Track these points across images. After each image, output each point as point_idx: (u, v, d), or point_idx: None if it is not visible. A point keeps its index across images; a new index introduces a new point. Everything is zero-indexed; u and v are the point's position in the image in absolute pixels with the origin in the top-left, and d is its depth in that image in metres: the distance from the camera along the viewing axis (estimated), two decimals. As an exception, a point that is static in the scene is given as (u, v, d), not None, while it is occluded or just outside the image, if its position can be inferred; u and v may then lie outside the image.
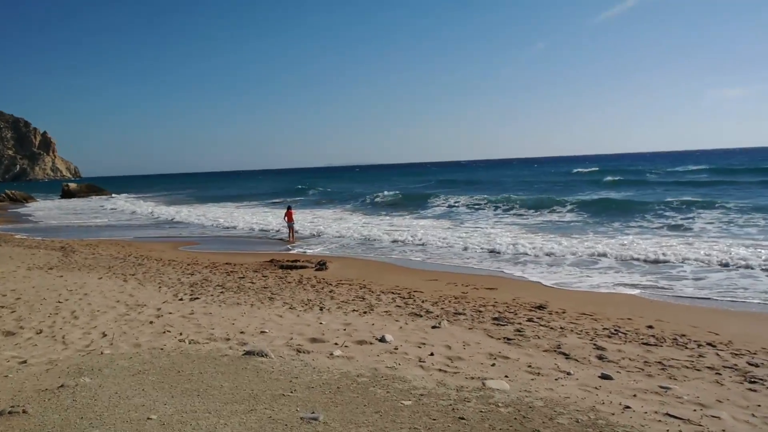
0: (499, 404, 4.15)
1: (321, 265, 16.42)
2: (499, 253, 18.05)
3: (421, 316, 9.93)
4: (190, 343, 7.94)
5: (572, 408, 4.12)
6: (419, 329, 8.87)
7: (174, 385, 4.87)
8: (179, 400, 4.49)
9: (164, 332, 8.63)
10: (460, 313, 10.21)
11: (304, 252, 20.44)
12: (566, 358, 7.37)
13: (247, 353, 5.93)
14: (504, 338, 8.35)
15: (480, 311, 10.50)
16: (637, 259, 15.67)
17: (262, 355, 5.80)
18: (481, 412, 4.07)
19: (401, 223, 28.44)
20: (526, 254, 17.48)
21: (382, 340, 8.07)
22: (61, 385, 4.97)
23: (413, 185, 65.24)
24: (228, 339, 8.20)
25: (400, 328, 9.00)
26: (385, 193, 46.39)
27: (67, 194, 75.74)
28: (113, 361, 5.93)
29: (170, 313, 10.12)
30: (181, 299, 11.37)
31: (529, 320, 9.76)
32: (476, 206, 35.04)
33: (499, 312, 10.46)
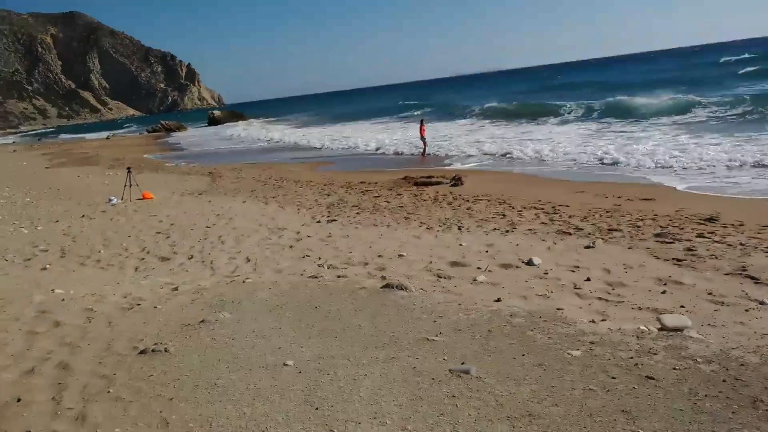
0: (698, 359, 3.30)
1: (456, 181, 15.71)
2: (653, 159, 16.13)
3: (571, 234, 8.98)
4: (329, 268, 7.74)
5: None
6: (570, 249, 7.98)
7: (311, 323, 4.56)
8: (316, 343, 4.15)
9: (304, 257, 8.53)
10: (614, 230, 9.11)
11: (443, 165, 19.80)
12: (755, 283, 6.16)
13: (386, 286, 5.49)
14: (673, 259, 7.23)
15: (638, 227, 9.30)
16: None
17: (402, 288, 5.33)
18: (675, 369, 3.25)
19: (535, 131, 26.66)
20: (685, 158, 15.46)
21: (530, 263, 7.32)
22: (203, 321, 4.88)
23: (536, 91, 60.43)
24: (366, 264, 7.90)
25: (548, 248, 8.16)
26: (491, 104, 43.21)
27: (213, 122, 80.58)
28: (253, 293, 5.81)
29: (309, 236, 10.06)
30: (318, 221, 11.31)
31: (700, 236, 8.44)
32: (618, 108, 31.65)
33: (661, 227, 9.19)
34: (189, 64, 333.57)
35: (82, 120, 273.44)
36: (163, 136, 66.46)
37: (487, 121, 36.66)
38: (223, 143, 45.05)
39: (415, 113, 49.40)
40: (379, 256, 8.31)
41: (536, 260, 7.35)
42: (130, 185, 16.43)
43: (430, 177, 16.72)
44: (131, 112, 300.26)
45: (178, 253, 9.46)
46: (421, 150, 23.23)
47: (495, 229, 9.75)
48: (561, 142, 21.36)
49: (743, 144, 16.38)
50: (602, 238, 8.50)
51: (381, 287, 5.56)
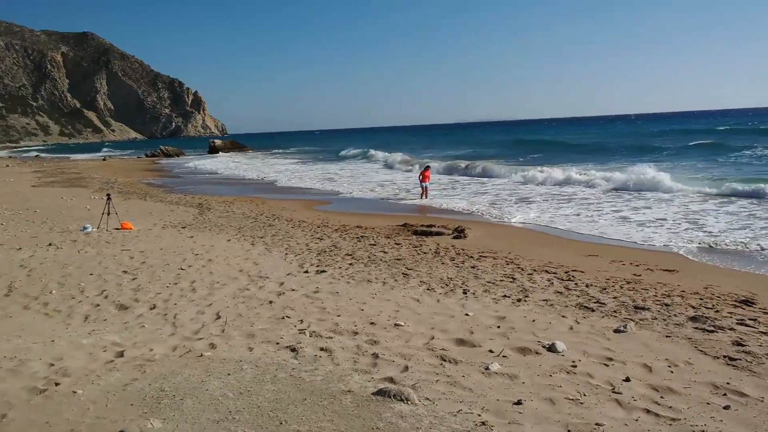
0: None
1: (459, 233, 14.58)
2: (667, 226, 15.01)
3: (593, 310, 7.77)
4: (311, 335, 6.49)
5: None
6: (597, 333, 6.75)
7: (271, 452, 3.30)
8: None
9: (283, 318, 7.27)
10: (642, 308, 7.90)
11: (442, 214, 18.67)
12: (838, 403, 4.94)
13: (381, 393, 4.20)
14: (724, 357, 6.00)
15: (667, 305, 8.12)
16: None
17: (402, 399, 4.02)
18: None
19: (529, 189, 25.59)
20: (708, 226, 14.37)
21: (552, 349, 6.08)
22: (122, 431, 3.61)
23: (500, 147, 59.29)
24: (356, 333, 6.65)
25: (571, 328, 6.93)
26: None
27: (213, 150, 79.87)
28: (206, 380, 4.53)
29: (293, 289, 8.81)
30: (306, 272, 10.07)
31: (741, 323, 7.25)
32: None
33: (693, 307, 8.01)
34: (196, 91, 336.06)
35: (84, 139, 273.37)
36: (161, 161, 65.48)
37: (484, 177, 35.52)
38: (220, 173, 43.99)
39: (424, 159, 48.69)
40: (372, 323, 7.06)
41: (560, 345, 6.11)
42: (108, 213, 15.22)
43: (430, 226, 15.58)
44: (134, 135, 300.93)
45: (140, 301, 8.17)
46: (421, 195, 22.21)
47: (505, 296, 8.55)
48: (563, 201, 20.32)
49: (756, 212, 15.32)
50: (632, 320, 7.29)
51: (373, 393, 4.29)
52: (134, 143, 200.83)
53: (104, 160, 70.80)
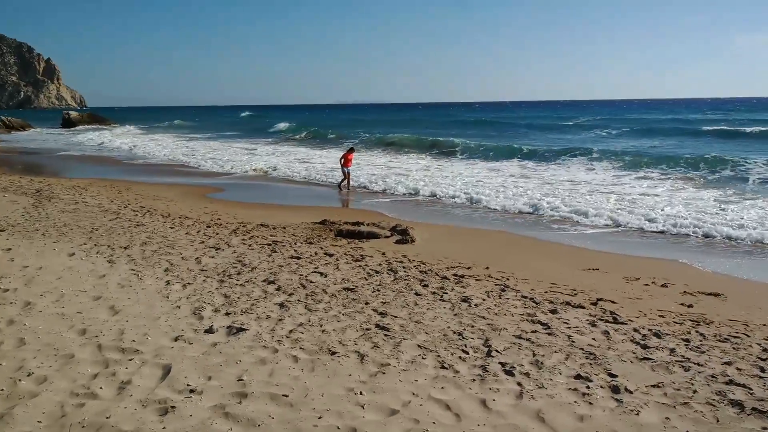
0: None
1: (403, 235, 10.65)
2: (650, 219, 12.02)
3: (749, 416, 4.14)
4: None
5: None
6: None
7: None
8: None
9: None
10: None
11: (362, 205, 14.54)
12: None
13: None
14: None
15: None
16: None
17: None
18: None
19: (471, 172, 21.98)
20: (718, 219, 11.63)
21: None
22: None
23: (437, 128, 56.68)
24: None
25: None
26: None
27: (67, 123, 68.68)
28: None
29: (191, 390, 4.26)
30: (209, 330, 5.46)
31: None
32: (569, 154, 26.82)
33: None
34: (49, 58, 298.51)
35: None
36: (3, 134, 54.33)
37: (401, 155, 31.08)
38: (73, 149, 36.20)
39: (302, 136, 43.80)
40: None
41: None
42: None
43: (357, 224, 11.49)
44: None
45: None
46: (342, 181, 17.75)
47: (579, 376, 4.73)
48: (509, 188, 17.04)
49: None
50: None
51: None
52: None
53: (-74, 130, 57.69)
